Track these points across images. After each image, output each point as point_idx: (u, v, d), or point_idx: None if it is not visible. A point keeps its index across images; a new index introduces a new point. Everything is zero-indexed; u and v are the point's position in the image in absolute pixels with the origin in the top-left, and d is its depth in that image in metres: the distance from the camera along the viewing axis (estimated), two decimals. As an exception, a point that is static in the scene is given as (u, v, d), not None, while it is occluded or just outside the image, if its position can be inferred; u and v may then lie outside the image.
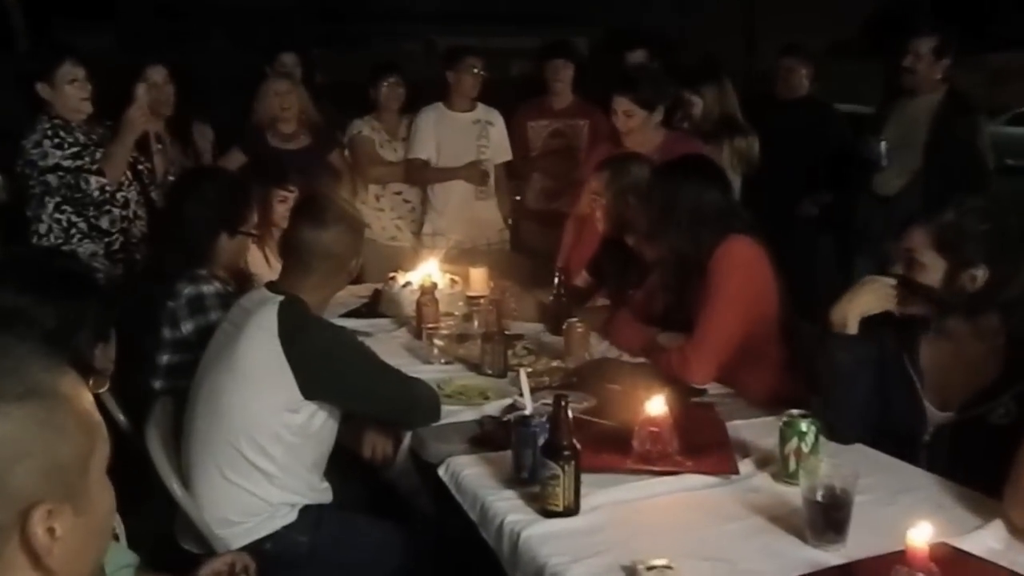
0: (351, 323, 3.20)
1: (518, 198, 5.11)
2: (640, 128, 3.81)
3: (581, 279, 3.55)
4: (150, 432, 2.31)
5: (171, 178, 3.96)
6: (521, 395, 2.22)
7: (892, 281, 2.19)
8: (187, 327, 2.71)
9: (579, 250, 3.80)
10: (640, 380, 2.49)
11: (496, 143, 4.81)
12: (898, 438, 2.18)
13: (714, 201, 2.78)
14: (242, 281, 3.12)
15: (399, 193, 4.82)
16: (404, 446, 2.38)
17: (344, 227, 2.39)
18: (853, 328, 2.20)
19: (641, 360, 2.83)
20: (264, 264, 3.51)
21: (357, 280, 3.22)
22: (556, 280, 3.29)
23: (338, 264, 2.39)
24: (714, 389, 2.64)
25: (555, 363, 2.82)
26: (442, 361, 2.88)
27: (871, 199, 4.45)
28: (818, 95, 5.03)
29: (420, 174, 4.77)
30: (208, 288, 2.74)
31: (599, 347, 2.97)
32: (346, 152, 4.76)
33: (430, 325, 3.02)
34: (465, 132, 4.76)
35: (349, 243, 2.41)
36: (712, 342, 2.64)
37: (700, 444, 2.14)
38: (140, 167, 3.83)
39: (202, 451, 2.28)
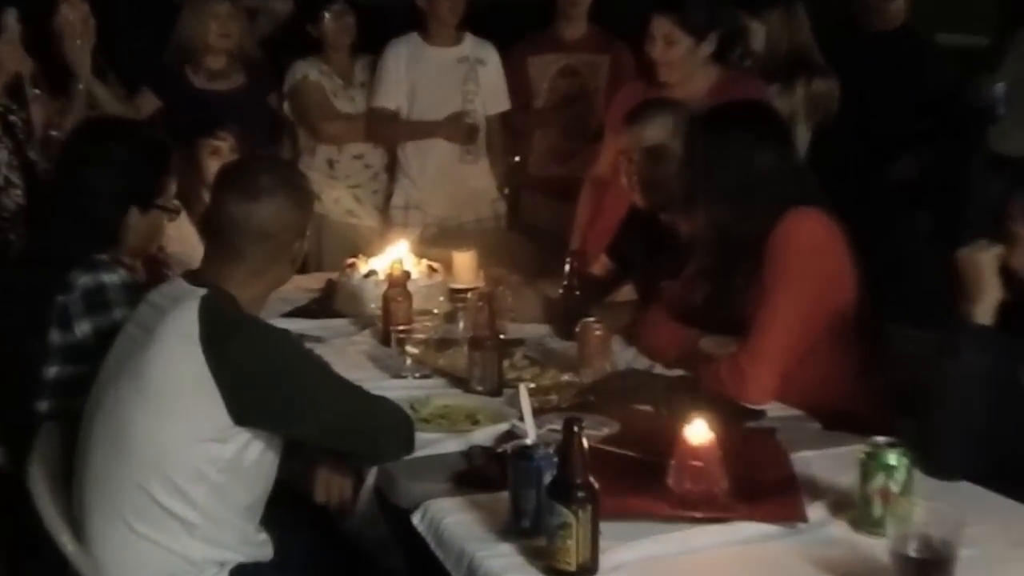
0: (297, 325, 3.20)
1: (517, 160, 5.12)
2: (683, 62, 3.80)
3: (600, 266, 3.56)
4: (33, 469, 2.32)
5: (54, 133, 3.94)
6: (521, 419, 2.23)
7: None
8: (83, 328, 2.71)
9: (597, 227, 3.81)
10: (678, 399, 2.50)
11: (489, 87, 4.82)
12: (1013, 473, 2.18)
13: (770, 162, 2.79)
14: (155, 270, 3.13)
15: (359, 157, 4.84)
16: (367, 486, 2.39)
17: (284, 199, 2.39)
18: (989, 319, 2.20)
19: (679, 372, 2.85)
20: (194, 240, 3.51)
21: (305, 269, 3.23)
22: (567, 267, 3.30)
23: (277, 248, 2.39)
24: (775, 411, 2.64)
25: (566, 377, 2.83)
26: (416, 375, 2.90)
27: (988, 160, 4.43)
28: (913, 24, 5.01)
29: (387, 129, 4.78)
30: (110, 278, 2.74)
31: (624, 355, 2.98)
32: (285, 105, 4.77)
33: (401, 327, 3.03)
34: (447, 73, 4.77)
35: (291, 220, 2.40)
36: (773, 349, 2.65)
37: (757, 483, 2.14)
38: (12, 119, 3.79)
39: (101, 493, 2.28)
